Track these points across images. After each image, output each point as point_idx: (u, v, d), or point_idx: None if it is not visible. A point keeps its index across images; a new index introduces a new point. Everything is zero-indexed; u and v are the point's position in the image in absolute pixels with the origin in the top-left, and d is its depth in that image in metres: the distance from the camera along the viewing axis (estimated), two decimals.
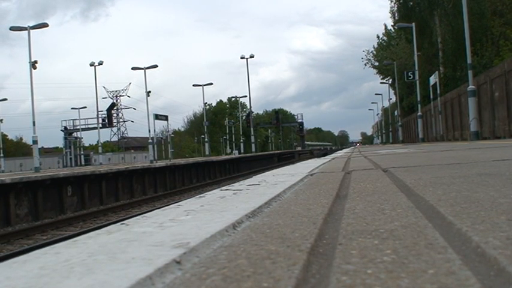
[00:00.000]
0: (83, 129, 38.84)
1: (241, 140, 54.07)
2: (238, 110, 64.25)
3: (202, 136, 55.52)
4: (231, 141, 59.22)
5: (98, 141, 39.08)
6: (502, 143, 8.45)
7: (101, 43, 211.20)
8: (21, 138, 66.89)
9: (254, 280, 0.69)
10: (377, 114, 65.04)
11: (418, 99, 25.67)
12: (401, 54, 36.65)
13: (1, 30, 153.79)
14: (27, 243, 9.22)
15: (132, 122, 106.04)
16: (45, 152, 55.20)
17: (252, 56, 40.70)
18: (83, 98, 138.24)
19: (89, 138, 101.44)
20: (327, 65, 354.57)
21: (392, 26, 38.92)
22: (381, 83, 45.95)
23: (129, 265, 0.81)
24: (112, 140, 74.82)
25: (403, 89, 37.71)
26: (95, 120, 35.52)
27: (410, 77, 26.45)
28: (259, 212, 1.39)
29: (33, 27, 20.27)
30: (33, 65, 19.84)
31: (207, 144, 41.04)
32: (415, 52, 25.34)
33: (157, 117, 28.74)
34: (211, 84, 40.91)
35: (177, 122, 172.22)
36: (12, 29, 20.63)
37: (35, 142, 19.92)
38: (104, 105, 62.11)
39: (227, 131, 59.34)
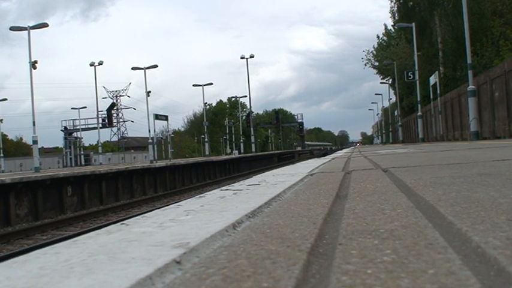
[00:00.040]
0: (83, 129, 38.86)
1: (241, 140, 54.08)
2: (238, 110, 64.27)
3: (202, 136, 55.52)
4: (231, 141, 59.20)
5: (98, 141, 39.14)
6: (502, 143, 8.45)
7: (101, 43, 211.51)
8: (21, 138, 66.96)
9: (254, 280, 0.69)
10: (377, 114, 65.13)
11: (418, 99, 25.67)
12: (401, 54, 36.65)
13: (1, 30, 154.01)
14: (27, 243, 9.22)
15: (132, 122, 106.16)
16: (45, 152, 55.20)
17: (252, 56, 40.74)
18: (83, 98, 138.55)
19: (89, 138, 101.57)
20: (327, 65, 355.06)
21: (392, 26, 38.98)
22: (381, 83, 46.01)
23: (129, 265, 0.81)
24: (112, 140, 74.92)
25: (403, 89, 37.72)
26: (95, 120, 35.54)
27: (410, 77, 26.45)
28: (259, 212, 1.39)
29: (33, 27, 20.28)
30: (33, 65, 19.85)
31: (207, 144, 41.05)
32: (415, 52, 25.34)
33: (157, 117, 28.75)
34: (211, 84, 40.97)
35: (177, 122, 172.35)
36: (12, 29, 20.63)
37: (35, 142, 19.93)
38: (104, 105, 62.16)
39: (227, 131, 59.33)
